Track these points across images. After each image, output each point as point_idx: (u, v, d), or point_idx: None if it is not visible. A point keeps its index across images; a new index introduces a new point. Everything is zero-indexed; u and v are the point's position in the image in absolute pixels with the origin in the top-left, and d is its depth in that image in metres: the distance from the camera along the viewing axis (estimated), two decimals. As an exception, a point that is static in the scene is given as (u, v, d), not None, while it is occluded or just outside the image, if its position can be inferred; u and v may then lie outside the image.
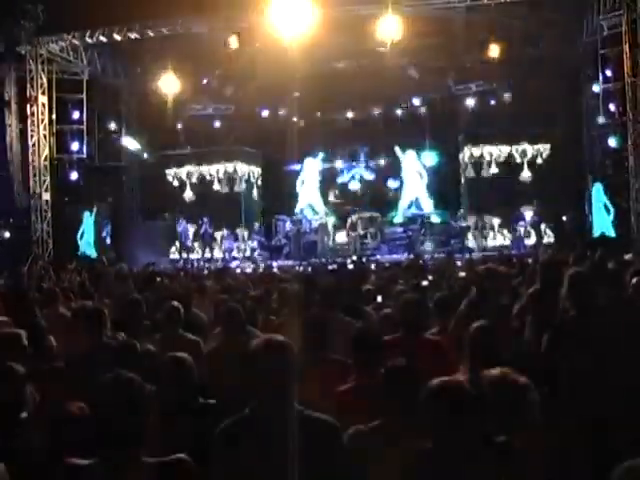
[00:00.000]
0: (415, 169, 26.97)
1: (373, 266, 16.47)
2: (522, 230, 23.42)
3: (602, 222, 21.04)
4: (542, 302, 5.90)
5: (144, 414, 3.21)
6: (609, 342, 4.78)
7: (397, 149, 27.04)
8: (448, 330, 6.18)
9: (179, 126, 25.77)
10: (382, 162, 27.78)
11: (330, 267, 16.66)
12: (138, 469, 3.11)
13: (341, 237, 25.93)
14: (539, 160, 24.64)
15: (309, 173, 27.95)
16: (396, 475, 3.26)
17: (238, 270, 18.85)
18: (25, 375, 4.60)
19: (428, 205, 26.39)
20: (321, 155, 27.89)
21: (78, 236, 23.06)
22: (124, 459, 3.10)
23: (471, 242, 24.00)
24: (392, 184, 27.44)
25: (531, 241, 23.26)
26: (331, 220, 26.52)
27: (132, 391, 3.19)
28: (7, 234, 22.25)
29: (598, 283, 5.54)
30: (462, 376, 4.11)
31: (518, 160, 24.73)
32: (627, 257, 11.87)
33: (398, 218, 26.31)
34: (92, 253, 22.95)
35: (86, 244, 23.13)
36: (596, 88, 20.67)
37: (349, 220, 25.59)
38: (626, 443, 3.75)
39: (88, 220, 23.25)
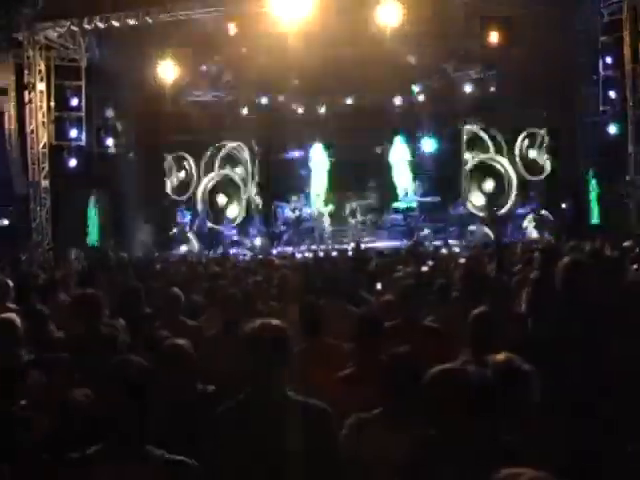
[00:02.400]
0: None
1: (372, 253, 16.47)
2: (522, 217, 23.49)
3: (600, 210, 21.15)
4: (541, 289, 5.91)
5: (151, 399, 3.22)
6: (607, 328, 4.78)
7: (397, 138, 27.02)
8: (449, 316, 6.19)
9: (177, 112, 25.69)
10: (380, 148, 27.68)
11: (330, 254, 16.69)
12: (142, 458, 3.11)
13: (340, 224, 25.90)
14: (538, 147, 24.62)
15: (316, 161, 27.89)
16: (398, 462, 3.27)
17: (238, 257, 18.88)
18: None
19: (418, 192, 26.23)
20: (322, 142, 27.78)
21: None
22: (129, 446, 3.11)
23: (471, 229, 23.97)
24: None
25: (531, 228, 23.28)
26: (328, 208, 26.41)
27: (140, 375, 3.20)
28: (6, 221, 22.23)
29: (596, 270, 5.54)
30: (463, 362, 4.12)
31: (517, 147, 24.73)
32: (626, 244, 11.89)
33: (397, 204, 26.26)
34: (94, 241, 22.98)
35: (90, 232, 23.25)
36: (594, 75, 20.63)
37: (348, 207, 25.61)
38: (620, 429, 3.77)
39: (90, 208, 23.32)
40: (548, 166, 24.28)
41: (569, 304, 4.97)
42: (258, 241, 25.20)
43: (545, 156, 24.44)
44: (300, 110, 27.25)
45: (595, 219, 21.60)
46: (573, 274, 5.01)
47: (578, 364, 4.38)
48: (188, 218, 25.67)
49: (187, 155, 26.63)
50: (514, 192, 24.44)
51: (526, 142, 24.73)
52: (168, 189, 26.50)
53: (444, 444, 3.06)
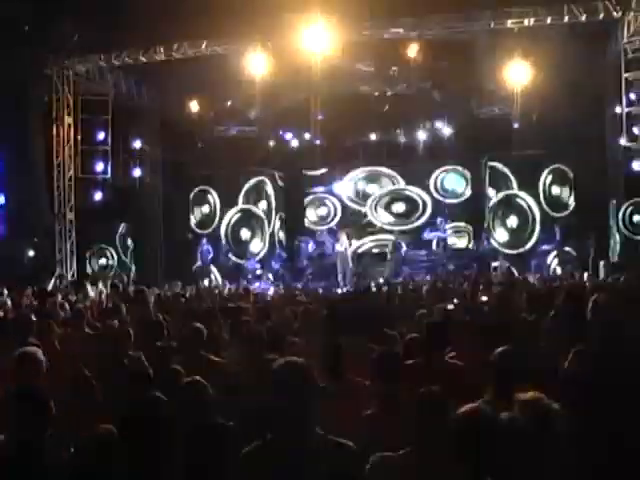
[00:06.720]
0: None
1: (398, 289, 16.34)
2: (546, 254, 23.33)
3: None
4: (565, 326, 5.86)
5: (168, 435, 3.21)
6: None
7: None
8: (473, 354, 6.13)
9: (202, 148, 25.88)
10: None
11: (354, 291, 16.62)
12: None
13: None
14: (562, 183, 24.52)
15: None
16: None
17: (261, 292, 18.85)
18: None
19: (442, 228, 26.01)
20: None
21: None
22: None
23: (496, 264, 23.78)
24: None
25: (554, 265, 23.10)
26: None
27: (160, 412, 3.19)
28: (31, 253, 22.39)
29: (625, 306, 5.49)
30: (487, 401, 4.06)
31: (541, 183, 24.59)
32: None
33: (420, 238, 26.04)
34: (117, 273, 23.15)
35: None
36: (618, 110, 20.53)
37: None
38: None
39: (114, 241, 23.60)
40: (572, 202, 24.16)
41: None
42: (281, 275, 25.08)
43: (569, 192, 24.34)
44: (324, 145, 27.27)
45: (617, 256, 21.46)
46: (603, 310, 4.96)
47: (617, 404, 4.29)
48: (211, 252, 25.54)
49: (211, 189, 26.62)
50: (538, 228, 24.23)
51: (550, 178, 24.62)
52: (192, 223, 26.52)
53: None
